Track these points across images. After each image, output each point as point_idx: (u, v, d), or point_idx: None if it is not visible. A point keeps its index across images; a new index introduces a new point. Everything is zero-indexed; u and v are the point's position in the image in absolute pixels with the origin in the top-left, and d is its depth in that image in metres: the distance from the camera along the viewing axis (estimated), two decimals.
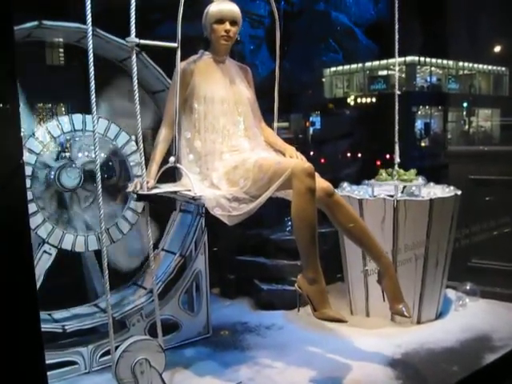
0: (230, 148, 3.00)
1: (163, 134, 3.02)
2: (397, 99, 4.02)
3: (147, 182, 2.86)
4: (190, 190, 2.82)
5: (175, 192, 2.92)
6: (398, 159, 4.01)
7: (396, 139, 3.99)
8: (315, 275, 2.81)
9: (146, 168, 2.93)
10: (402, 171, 4.00)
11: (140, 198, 2.89)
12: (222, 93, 3.03)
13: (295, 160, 2.98)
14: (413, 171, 4.01)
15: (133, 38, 2.73)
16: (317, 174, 2.83)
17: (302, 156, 3.11)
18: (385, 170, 4.05)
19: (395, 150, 3.99)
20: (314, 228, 2.77)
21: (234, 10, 3.03)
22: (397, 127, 3.99)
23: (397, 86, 4.15)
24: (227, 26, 2.99)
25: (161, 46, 3.03)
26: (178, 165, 2.95)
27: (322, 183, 2.91)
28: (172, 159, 2.94)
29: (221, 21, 2.99)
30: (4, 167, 1.43)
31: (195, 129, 3.01)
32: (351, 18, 12.48)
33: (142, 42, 2.80)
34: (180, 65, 2.93)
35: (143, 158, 2.82)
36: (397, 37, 3.94)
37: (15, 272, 1.47)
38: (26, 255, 1.49)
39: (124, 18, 2.71)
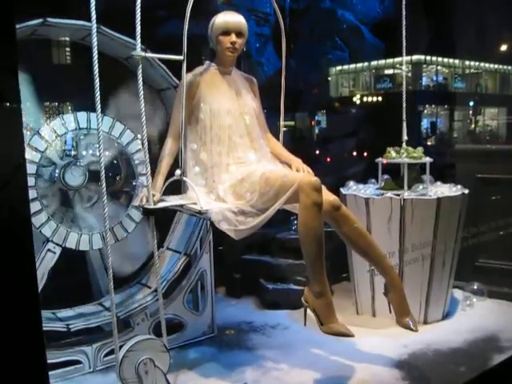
0: (236, 160, 2.98)
1: (169, 146, 3.01)
2: (404, 78, 4.06)
3: (153, 196, 2.84)
4: (196, 204, 2.82)
5: (181, 205, 2.93)
6: (405, 137, 4.01)
7: (404, 117, 4.00)
8: (322, 289, 2.81)
9: (151, 167, 2.91)
10: (410, 149, 3.97)
11: (146, 212, 2.87)
12: (227, 104, 3.02)
13: (302, 174, 2.96)
14: (420, 149, 3.99)
15: (139, 51, 2.72)
16: (323, 187, 2.81)
17: (309, 168, 3.09)
18: (392, 147, 4.02)
19: (403, 128, 4.00)
20: (321, 242, 2.76)
21: (240, 21, 3.02)
22: (404, 104, 4.02)
23: (404, 66, 4.12)
24: (233, 37, 2.98)
25: (166, 58, 3.05)
26: (184, 178, 2.94)
27: (328, 196, 2.89)
28: (178, 172, 2.93)
29: (227, 32, 2.98)
30: (5, 165, 1.42)
31: (201, 141, 2.99)
32: (357, 16, 12.45)
33: (148, 55, 2.79)
34: (186, 76, 2.92)
35: (147, 156, 2.79)
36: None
37: (16, 270, 1.45)
38: (28, 253, 1.48)
39: (129, 16, 2.69)
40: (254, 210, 2.80)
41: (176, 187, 3.02)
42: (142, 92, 2.75)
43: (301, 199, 2.72)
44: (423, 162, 4.00)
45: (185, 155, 2.97)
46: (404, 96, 4.00)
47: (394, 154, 4.00)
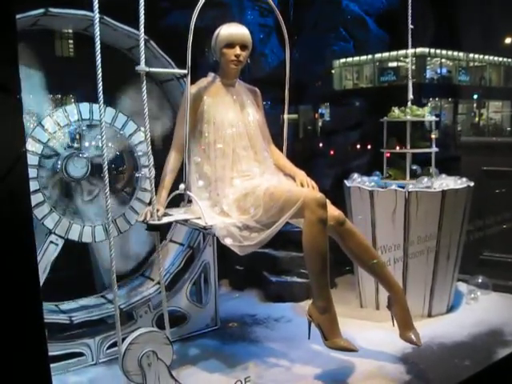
0: (240, 173, 2.98)
1: (172, 159, 3.00)
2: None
3: (157, 211, 2.83)
4: (200, 218, 2.82)
5: (186, 220, 2.93)
6: (411, 96, 4.02)
7: (409, 76, 4.06)
8: (326, 304, 2.84)
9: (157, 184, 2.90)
10: (415, 107, 3.95)
11: (151, 227, 2.85)
12: (231, 117, 3.01)
13: (306, 189, 2.96)
14: (426, 108, 3.97)
15: (142, 66, 2.69)
16: (328, 202, 2.83)
17: (313, 182, 3.08)
18: (397, 107, 4.01)
19: (408, 87, 4.02)
20: (325, 258, 2.79)
21: (245, 33, 3.00)
22: (410, 64, 4.10)
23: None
24: (237, 50, 2.97)
25: (170, 72, 3.00)
26: (188, 192, 2.94)
27: (333, 211, 2.90)
28: (182, 186, 2.93)
29: (231, 45, 2.97)
30: (6, 156, 1.40)
31: (205, 154, 2.99)
32: (362, 7, 12.34)
33: (152, 70, 2.77)
34: (190, 89, 2.91)
35: (150, 147, 2.77)
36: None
37: (17, 263, 1.44)
38: (29, 245, 1.46)
39: (132, 5, 2.66)
40: (259, 225, 2.81)
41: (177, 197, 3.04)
42: (147, 104, 2.73)
43: (306, 215, 2.75)
44: (428, 121, 3.99)
45: (188, 168, 2.96)
46: (410, 55, 3.99)
47: (397, 112, 3.97)
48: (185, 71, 2.89)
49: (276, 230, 2.79)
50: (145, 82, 2.71)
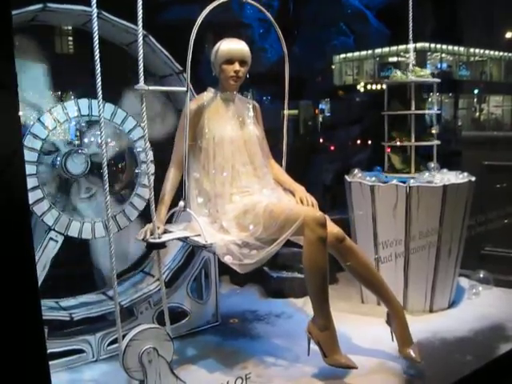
0: (239, 189, 2.98)
1: (171, 176, 3.02)
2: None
3: (157, 228, 2.82)
4: (200, 235, 2.82)
5: (186, 238, 2.93)
6: (412, 58, 4.07)
7: (410, 37, 4.10)
8: (326, 322, 2.86)
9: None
10: (418, 68, 3.95)
11: (151, 246, 2.85)
12: (231, 133, 3.01)
13: (306, 208, 2.96)
14: (427, 70, 3.97)
15: (142, 85, 2.68)
16: (327, 218, 2.83)
17: (313, 199, 3.08)
18: (398, 69, 4.03)
19: (410, 50, 4.09)
20: (325, 276, 2.80)
21: (244, 49, 3.01)
22: (411, 26, 4.08)
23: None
24: (236, 66, 2.98)
25: (170, 91, 3.08)
26: (188, 210, 2.94)
27: (332, 228, 2.90)
28: (181, 204, 2.93)
29: (230, 61, 2.97)
30: (2, 152, 1.38)
31: (204, 170, 2.99)
32: (362, 1, 12.33)
33: (151, 88, 2.76)
34: (189, 104, 2.91)
35: (148, 144, 2.76)
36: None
37: (15, 260, 1.43)
38: (26, 242, 1.45)
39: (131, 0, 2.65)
40: (259, 242, 2.80)
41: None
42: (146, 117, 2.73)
43: (305, 234, 2.75)
44: (430, 84, 4.02)
45: (188, 184, 2.96)
46: (410, 14, 4.02)
47: (399, 74, 3.97)
48: (184, 89, 2.89)
49: (276, 249, 2.79)
50: (144, 101, 2.70)
